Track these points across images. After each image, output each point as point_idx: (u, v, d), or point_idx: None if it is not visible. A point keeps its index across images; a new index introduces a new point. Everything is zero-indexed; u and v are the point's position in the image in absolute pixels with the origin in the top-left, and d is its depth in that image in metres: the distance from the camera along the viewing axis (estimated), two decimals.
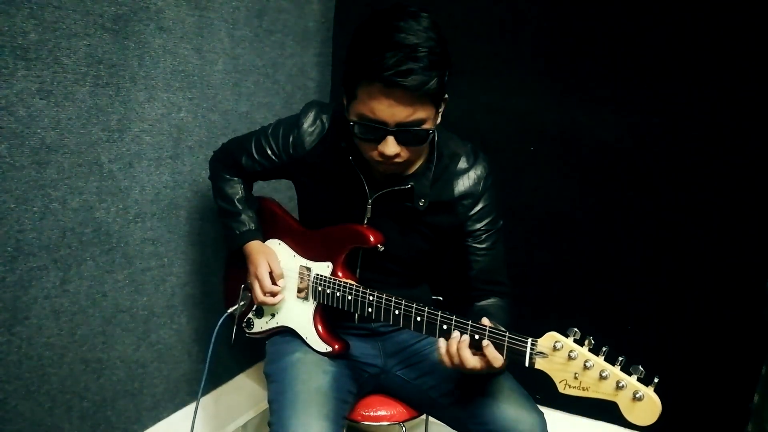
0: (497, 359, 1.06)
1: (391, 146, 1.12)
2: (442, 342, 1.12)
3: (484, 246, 1.32)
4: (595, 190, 1.76)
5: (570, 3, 1.71)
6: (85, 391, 1.45)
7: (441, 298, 1.52)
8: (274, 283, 1.36)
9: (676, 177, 1.66)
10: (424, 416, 1.63)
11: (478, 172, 1.30)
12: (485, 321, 1.10)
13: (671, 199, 1.68)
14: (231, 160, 1.45)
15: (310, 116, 1.35)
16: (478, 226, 1.31)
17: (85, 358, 1.43)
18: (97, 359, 1.46)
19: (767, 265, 1.60)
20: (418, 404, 1.42)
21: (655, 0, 1.61)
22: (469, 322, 1.10)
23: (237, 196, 1.44)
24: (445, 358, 1.11)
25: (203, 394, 1.85)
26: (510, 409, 1.20)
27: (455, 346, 1.09)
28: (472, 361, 1.08)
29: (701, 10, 1.57)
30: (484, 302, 1.33)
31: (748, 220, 1.60)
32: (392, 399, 1.44)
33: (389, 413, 1.41)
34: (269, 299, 1.35)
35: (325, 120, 1.34)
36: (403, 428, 1.47)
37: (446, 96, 1.18)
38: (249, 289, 1.46)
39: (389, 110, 1.08)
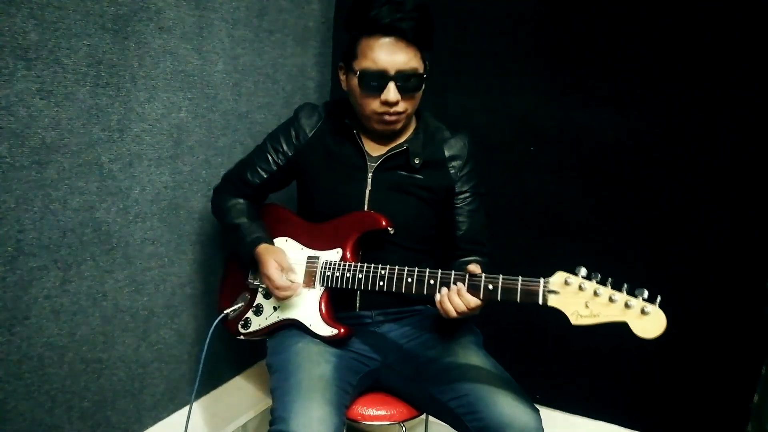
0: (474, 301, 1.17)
1: (392, 92, 1.27)
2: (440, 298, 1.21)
3: (470, 208, 1.46)
4: (595, 190, 1.76)
5: (570, 3, 1.71)
6: (85, 391, 1.45)
7: None
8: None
9: (676, 177, 1.66)
10: (424, 416, 1.63)
11: (463, 139, 1.47)
12: (477, 269, 1.19)
13: (671, 198, 1.68)
14: (235, 181, 1.51)
15: (306, 110, 1.48)
16: (466, 188, 1.45)
17: (85, 358, 1.43)
18: (97, 359, 1.46)
19: (767, 265, 1.60)
20: (417, 401, 1.42)
21: (655, 0, 1.61)
22: (482, 275, 1.16)
23: (243, 212, 1.48)
24: (449, 307, 1.19)
25: (203, 395, 1.85)
26: (507, 407, 1.21)
27: (456, 296, 1.18)
28: (473, 302, 1.17)
29: (701, 10, 1.57)
30: (465, 259, 1.44)
31: (748, 220, 1.60)
32: (392, 398, 1.44)
33: (389, 413, 1.41)
34: (285, 293, 1.36)
35: (320, 110, 1.48)
36: (403, 428, 1.47)
37: (426, 63, 1.35)
38: (250, 290, 1.46)
39: (389, 58, 1.26)
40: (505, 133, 1.83)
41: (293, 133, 1.46)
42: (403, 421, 1.43)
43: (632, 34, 1.65)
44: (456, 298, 1.18)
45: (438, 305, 1.21)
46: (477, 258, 1.44)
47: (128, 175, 1.45)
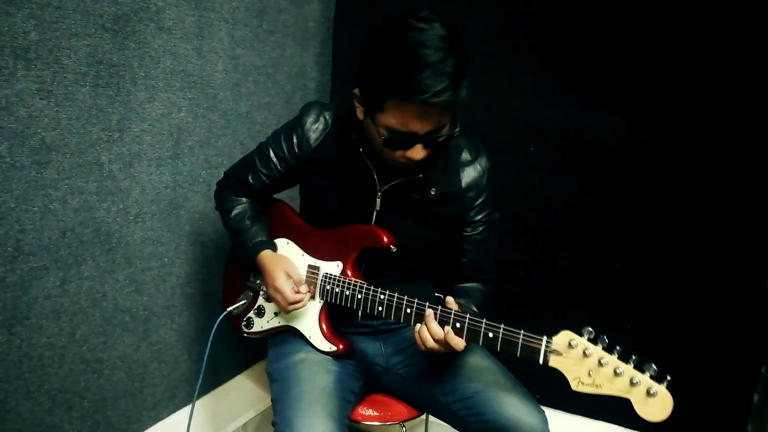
0: (459, 344, 1.14)
1: (419, 152, 1.17)
2: (424, 331, 1.17)
3: (479, 237, 1.38)
4: (594, 190, 1.76)
5: (570, 3, 1.71)
6: (85, 391, 1.45)
7: (442, 296, 1.52)
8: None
9: (676, 177, 1.66)
10: (424, 416, 1.63)
11: (483, 164, 1.36)
12: (453, 304, 1.18)
13: (671, 198, 1.68)
14: (237, 182, 1.46)
15: (312, 115, 1.37)
16: (479, 217, 1.37)
17: (85, 358, 1.43)
18: (97, 359, 1.46)
19: (767, 265, 1.60)
20: (419, 403, 1.42)
21: (655, 0, 1.61)
22: (483, 320, 1.12)
23: (246, 214, 1.43)
24: (422, 346, 1.17)
25: (203, 394, 1.85)
26: (511, 408, 1.20)
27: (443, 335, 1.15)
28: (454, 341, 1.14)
29: (701, 10, 1.57)
30: (465, 284, 1.40)
31: (748, 220, 1.60)
32: (393, 398, 1.44)
33: (390, 413, 1.41)
34: (295, 307, 1.33)
35: (327, 117, 1.37)
36: (404, 428, 1.47)
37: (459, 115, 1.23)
38: (252, 289, 1.46)
39: (420, 123, 1.13)
40: (505, 133, 1.83)
41: (296, 140, 1.37)
42: (403, 421, 1.43)
43: (632, 35, 1.65)
44: (425, 333, 1.16)
45: (416, 336, 1.19)
46: (475, 285, 1.41)
47: (128, 175, 1.45)
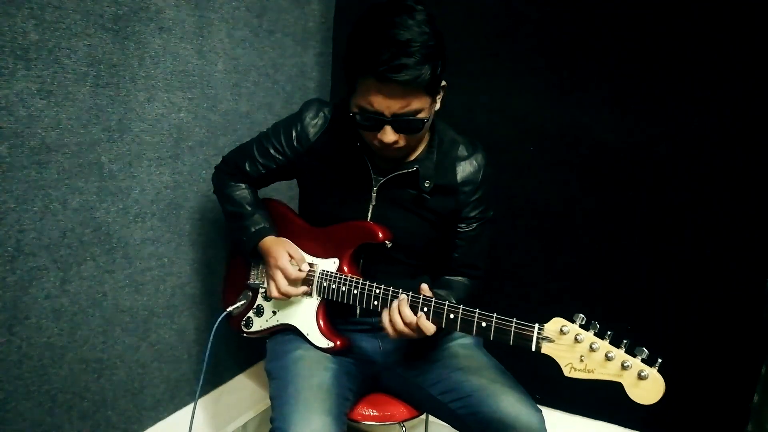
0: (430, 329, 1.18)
1: (389, 135, 1.19)
2: (385, 315, 1.22)
3: (473, 234, 1.40)
4: (594, 190, 1.76)
5: (570, 3, 1.71)
6: (85, 391, 1.45)
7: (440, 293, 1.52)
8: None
9: (676, 177, 1.66)
10: (424, 416, 1.63)
11: (479, 160, 1.38)
12: (426, 291, 1.21)
13: (671, 198, 1.68)
14: (234, 168, 1.48)
15: (312, 110, 1.40)
16: (473, 213, 1.38)
17: (85, 358, 1.43)
18: (97, 359, 1.46)
19: (767, 265, 1.60)
20: (418, 402, 1.42)
21: (655, 0, 1.61)
22: (476, 311, 1.13)
23: (246, 200, 1.45)
24: (391, 329, 1.21)
25: (204, 394, 1.85)
26: (509, 406, 1.21)
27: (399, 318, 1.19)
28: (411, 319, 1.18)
29: (701, 10, 1.57)
30: (451, 277, 1.42)
31: (748, 220, 1.60)
32: (392, 398, 1.44)
33: (389, 413, 1.42)
34: (292, 290, 1.33)
35: (326, 112, 1.40)
36: (404, 428, 1.47)
37: (444, 83, 1.25)
38: (251, 289, 1.46)
39: (385, 102, 1.15)
40: (505, 133, 1.83)
41: (295, 135, 1.39)
42: (403, 421, 1.43)
43: (632, 35, 1.65)
44: (396, 315, 1.20)
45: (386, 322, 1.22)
46: (463, 280, 1.42)
47: (128, 175, 1.45)
